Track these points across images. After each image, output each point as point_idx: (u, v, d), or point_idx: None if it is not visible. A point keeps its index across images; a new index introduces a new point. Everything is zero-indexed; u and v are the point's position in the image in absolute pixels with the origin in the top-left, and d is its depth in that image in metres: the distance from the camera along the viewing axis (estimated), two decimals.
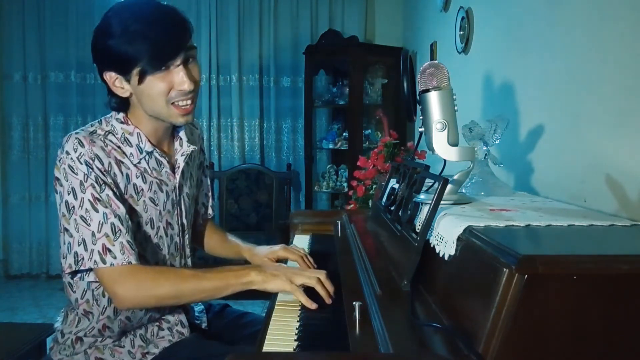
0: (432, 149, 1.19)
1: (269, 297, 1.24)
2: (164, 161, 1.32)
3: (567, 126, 1.46)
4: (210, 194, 1.59)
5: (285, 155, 4.49)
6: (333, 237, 1.73)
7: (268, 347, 0.97)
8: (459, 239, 0.91)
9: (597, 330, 0.71)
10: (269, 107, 4.45)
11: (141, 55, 1.15)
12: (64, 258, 1.19)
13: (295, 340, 0.99)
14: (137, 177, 1.27)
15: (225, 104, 4.43)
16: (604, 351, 0.71)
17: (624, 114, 1.20)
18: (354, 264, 1.30)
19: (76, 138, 1.20)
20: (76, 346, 1.29)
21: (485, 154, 1.42)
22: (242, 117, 4.45)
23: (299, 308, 1.15)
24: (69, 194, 1.18)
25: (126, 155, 1.26)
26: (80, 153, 1.18)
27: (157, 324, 1.35)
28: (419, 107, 1.24)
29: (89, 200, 1.17)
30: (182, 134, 1.36)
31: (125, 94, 1.23)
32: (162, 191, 1.31)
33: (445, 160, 1.20)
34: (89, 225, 1.16)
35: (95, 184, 1.18)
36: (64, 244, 1.19)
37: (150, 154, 1.29)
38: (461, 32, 2.47)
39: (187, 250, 1.41)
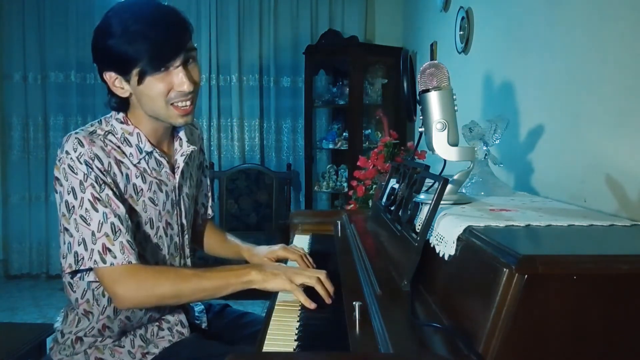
0: (432, 149, 1.19)
1: (269, 297, 1.24)
2: (164, 161, 1.32)
3: (567, 126, 1.46)
4: (209, 194, 1.59)
5: (285, 155, 4.49)
6: (333, 237, 1.73)
7: (268, 347, 0.97)
8: (459, 239, 0.91)
9: (597, 330, 0.71)
10: (269, 107, 4.45)
11: (141, 55, 1.15)
12: (64, 258, 1.19)
13: (295, 340, 0.99)
14: (136, 177, 1.27)
15: (225, 104, 4.43)
16: (604, 351, 0.71)
17: (624, 114, 1.20)
18: (354, 264, 1.30)
19: (76, 138, 1.20)
20: (76, 346, 1.29)
21: (485, 154, 1.42)
22: (242, 117, 4.45)
23: (299, 308, 1.15)
24: (68, 194, 1.18)
25: (126, 155, 1.26)
26: (80, 153, 1.18)
27: (157, 324, 1.35)
28: (419, 107, 1.24)
29: (88, 200, 1.17)
30: (182, 134, 1.36)
31: (125, 94, 1.23)
32: (161, 191, 1.31)
33: (445, 160, 1.20)
34: (88, 225, 1.16)
35: (95, 184, 1.18)
36: (64, 243, 1.19)
37: (150, 154, 1.29)
38: (461, 32, 2.47)
39: (187, 251, 1.41)
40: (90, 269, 1.20)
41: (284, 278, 1.17)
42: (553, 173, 1.53)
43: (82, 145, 1.19)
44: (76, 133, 1.22)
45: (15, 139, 4.37)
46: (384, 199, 1.47)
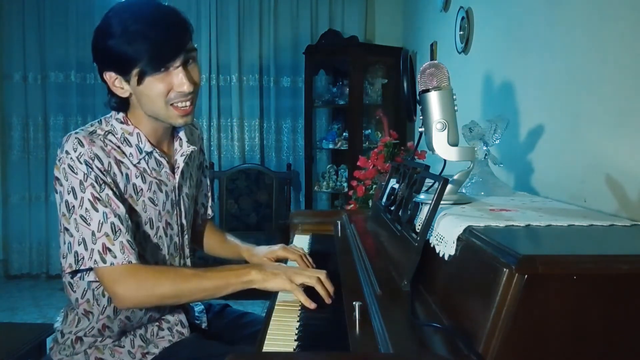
0: (432, 149, 1.19)
1: (269, 297, 1.24)
2: (164, 161, 1.32)
3: (567, 126, 1.46)
4: (209, 194, 1.59)
5: (285, 155, 4.49)
6: (333, 237, 1.73)
7: (268, 347, 0.97)
8: (459, 239, 0.91)
9: (597, 330, 0.71)
10: (269, 107, 4.45)
11: (141, 56, 1.15)
12: (64, 258, 1.19)
13: (295, 340, 0.99)
14: (136, 177, 1.27)
15: (225, 104, 4.43)
16: (604, 351, 0.71)
17: (624, 114, 1.20)
18: (354, 264, 1.30)
19: (76, 138, 1.20)
20: (76, 346, 1.29)
21: (485, 154, 1.42)
22: (242, 117, 4.45)
23: (299, 308, 1.15)
24: (68, 194, 1.18)
25: (126, 155, 1.26)
26: (80, 153, 1.18)
27: (157, 324, 1.35)
28: (419, 107, 1.23)
29: (88, 199, 1.17)
30: (182, 134, 1.36)
31: (124, 94, 1.23)
32: (161, 191, 1.31)
33: (445, 160, 1.20)
34: (89, 224, 1.16)
35: (95, 184, 1.18)
36: (64, 243, 1.19)
37: (149, 154, 1.29)
38: (461, 32, 2.47)
39: (187, 251, 1.41)
40: (90, 269, 1.20)
41: (284, 278, 1.17)
42: (553, 173, 1.53)
43: (82, 145, 1.19)
44: (76, 133, 1.22)
45: (15, 139, 4.37)
46: (384, 199, 1.47)
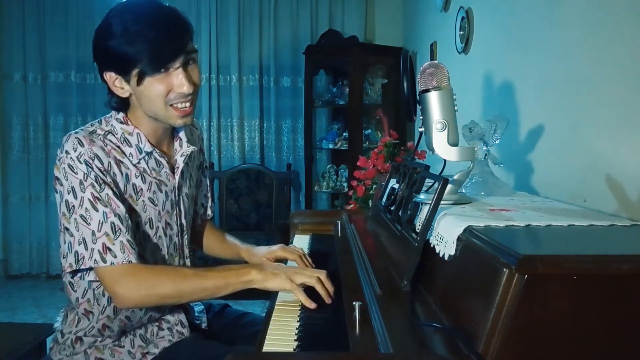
0: (432, 149, 1.19)
1: (269, 297, 1.24)
2: (164, 161, 1.32)
3: (567, 126, 1.46)
4: (209, 194, 1.59)
5: (285, 155, 4.49)
6: (333, 237, 1.73)
7: (268, 347, 0.97)
8: (459, 239, 0.91)
9: (597, 330, 0.71)
10: (269, 107, 4.45)
11: (141, 56, 1.15)
12: (64, 257, 1.19)
13: (295, 340, 0.99)
14: (136, 177, 1.27)
15: (225, 104, 4.43)
16: (604, 351, 0.71)
17: (624, 114, 1.20)
18: (354, 264, 1.30)
19: (76, 137, 1.20)
20: (76, 346, 1.29)
21: (485, 154, 1.42)
22: (242, 117, 4.45)
23: (299, 308, 1.15)
24: (68, 193, 1.18)
25: (125, 155, 1.26)
26: (80, 152, 1.18)
27: (157, 323, 1.35)
28: (419, 107, 1.23)
29: (88, 199, 1.17)
30: (182, 134, 1.36)
31: (124, 94, 1.23)
32: (161, 191, 1.31)
33: (445, 160, 1.20)
34: (89, 224, 1.16)
35: (95, 183, 1.18)
36: (65, 243, 1.19)
37: (149, 154, 1.29)
38: (461, 32, 2.47)
39: (186, 251, 1.41)
40: (90, 269, 1.20)
41: (284, 277, 1.17)
42: (553, 173, 1.53)
43: (82, 145, 1.19)
44: (76, 133, 1.22)
45: (15, 139, 4.37)
46: (384, 199, 1.47)
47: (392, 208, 1.32)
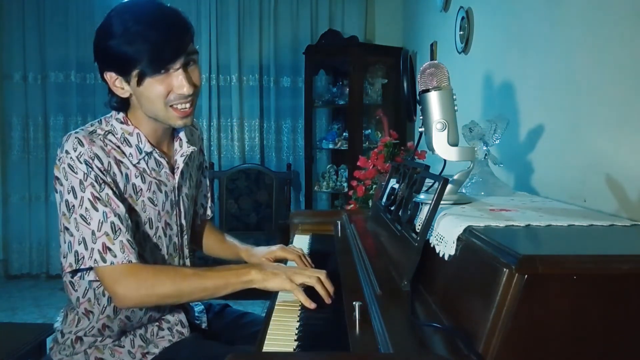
0: (432, 149, 1.19)
1: (269, 297, 1.24)
2: (163, 162, 1.32)
3: (567, 126, 1.46)
4: (209, 195, 1.59)
5: (285, 155, 4.49)
6: (333, 237, 1.73)
7: (268, 347, 0.97)
8: (459, 239, 0.91)
9: (597, 330, 0.71)
10: (269, 107, 4.45)
11: (141, 57, 1.15)
12: (64, 257, 1.19)
13: (295, 340, 0.99)
14: (136, 177, 1.27)
15: (225, 104, 4.43)
16: (604, 351, 0.71)
17: (624, 114, 1.20)
18: (354, 264, 1.30)
19: (76, 137, 1.20)
20: (76, 346, 1.29)
21: (485, 154, 1.42)
22: (242, 117, 4.45)
23: (299, 308, 1.15)
24: (68, 193, 1.18)
25: (125, 155, 1.26)
26: (80, 152, 1.18)
27: (157, 323, 1.35)
28: (419, 107, 1.23)
29: (88, 199, 1.17)
30: (182, 134, 1.36)
31: (125, 95, 1.23)
32: (161, 191, 1.31)
33: (445, 160, 1.20)
34: (89, 224, 1.16)
35: (95, 183, 1.18)
36: (65, 243, 1.19)
37: (149, 154, 1.29)
38: (461, 32, 2.47)
39: (186, 251, 1.41)
40: (90, 268, 1.20)
41: (284, 277, 1.17)
42: (553, 173, 1.53)
43: (82, 145, 1.19)
44: (76, 133, 1.22)
45: (15, 139, 4.37)
46: (384, 199, 1.47)
47: (392, 208, 1.32)
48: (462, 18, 2.44)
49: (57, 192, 1.21)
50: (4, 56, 4.34)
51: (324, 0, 4.40)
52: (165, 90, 1.20)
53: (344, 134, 4.13)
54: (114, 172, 1.23)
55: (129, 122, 1.28)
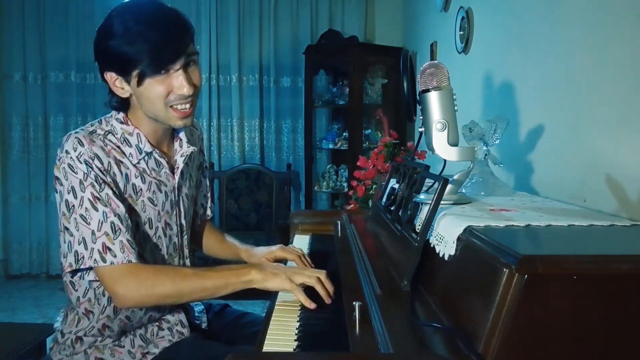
0: (432, 149, 1.19)
1: (269, 297, 1.24)
2: (163, 162, 1.32)
3: (567, 126, 1.46)
4: (209, 195, 1.59)
5: (285, 155, 4.49)
6: (333, 237, 1.73)
7: (268, 347, 0.97)
8: (459, 239, 0.91)
9: (597, 330, 0.71)
10: (269, 107, 4.45)
11: (141, 57, 1.15)
12: (64, 257, 1.19)
13: (295, 340, 0.99)
14: (136, 177, 1.27)
15: (225, 104, 4.43)
16: (604, 351, 0.71)
17: (624, 114, 1.20)
18: (354, 264, 1.30)
19: (76, 137, 1.20)
20: (76, 346, 1.29)
21: (485, 154, 1.42)
22: (242, 117, 4.45)
23: (299, 308, 1.15)
24: (68, 193, 1.18)
25: (125, 155, 1.26)
26: (80, 152, 1.18)
27: (157, 323, 1.35)
28: (419, 107, 1.23)
29: (88, 199, 1.17)
30: (182, 135, 1.36)
31: (125, 95, 1.23)
32: (160, 192, 1.31)
33: (445, 160, 1.20)
34: (88, 224, 1.16)
35: (95, 183, 1.18)
36: (64, 242, 1.19)
37: (149, 154, 1.29)
38: (461, 32, 2.47)
39: (186, 251, 1.41)
40: (90, 268, 1.20)
41: (284, 277, 1.17)
42: (553, 173, 1.53)
43: (82, 145, 1.19)
44: (76, 132, 1.22)
45: (15, 139, 4.37)
46: (384, 199, 1.47)
47: (392, 208, 1.32)
48: (462, 18, 2.44)
49: (57, 192, 1.21)
50: (4, 56, 4.34)
51: (324, 0, 4.40)
52: (165, 91, 1.20)
53: (344, 134, 4.13)
54: (113, 172, 1.23)
55: (129, 122, 1.28)
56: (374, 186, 2.45)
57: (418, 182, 1.16)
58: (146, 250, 1.30)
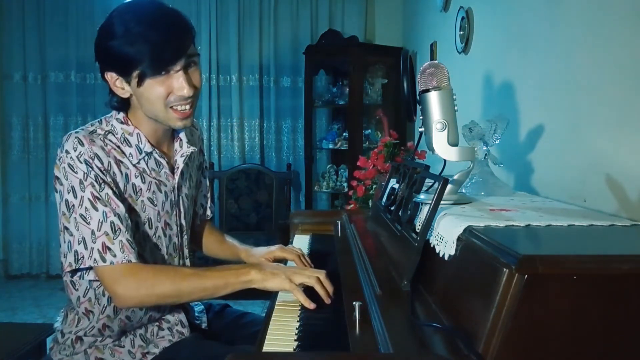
0: (432, 149, 1.19)
1: (269, 297, 1.24)
2: (163, 162, 1.32)
3: (567, 126, 1.46)
4: (209, 195, 1.59)
5: (285, 155, 4.49)
6: (333, 237, 1.73)
7: (268, 347, 0.97)
8: (459, 239, 0.91)
9: (597, 330, 0.71)
10: (269, 107, 4.45)
11: (141, 57, 1.15)
12: (64, 257, 1.19)
13: (295, 340, 0.99)
14: (135, 177, 1.27)
15: (225, 104, 4.43)
16: (604, 351, 0.71)
17: (624, 114, 1.20)
18: (354, 264, 1.30)
19: (76, 137, 1.20)
20: (76, 346, 1.29)
21: (485, 154, 1.42)
22: (242, 117, 4.45)
23: (299, 308, 1.15)
24: (68, 193, 1.18)
25: (125, 155, 1.26)
26: (80, 152, 1.18)
27: (157, 323, 1.35)
28: (419, 107, 1.23)
29: (88, 199, 1.17)
30: (182, 135, 1.36)
31: (125, 95, 1.23)
32: (160, 192, 1.31)
33: (445, 160, 1.20)
34: (88, 223, 1.16)
35: (95, 183, 1.18)
36: (64, 242, 1.19)
37: (149, 154, 1.29)
38: (461, 32, 2.47)
39: (186, 251, 1.41)
40: (90, 268, 1.20)
41: (284, 277, 1.17)
42: (553, 173, 1.53)
43: (82, 145, 1.19)
44: (76, 132, 1.22)
45: (15, 139, 4.37)
46: (384, 199, 1.47)
47: (392, 208, 1.32)
48: (462, 18, 2.44)
49: (57, 192, 1.21)
50: (4, 56, 4.34)
51: (324, 0, 4.40)
52: (165, 92, 1.20)
53: (344, 134, 4.13)
54: (113, 172, 1.23)
55: (129, 122, 1.28)
56: (374, 186, 2.45)
57: (418, 182, 1.16)
58: (146, 250, 1.30)
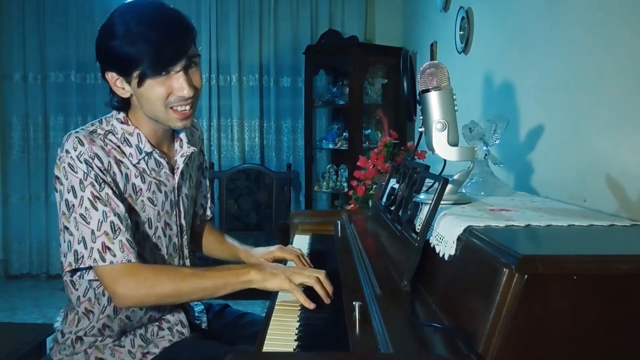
0: (432, 149, 1.19)
1: (269, 297, 1.24)
2: (163, 162, 1.32)
3: (567, 126, 1.46)
4: (209, 195, 1.59)
5: (285, 155, 4.49)
6: (333, 237, 1.73)
7: (268, 347, 0.97)
8: (459, 239, 0.91)
9: (597, 330, 0.71)
10: (269, 107, 4.45)
11: (142, 58, 1.15)
12: (64, 256, 1.19)
13: (295, 340, 0.99)
14: (135, 177, 1.27)
15: (225, 104, 4.43)
16: (604, 351, 0.71)
17: (624, 114, 1.20)
18: (354, 264, 1.30)
19: (76, 137, 1.20)
20: (76, 346, 1.29)
21: (485, 154, 1.42)
22: (242, 117, 4.45)
23: (299, 308, 1.15)
24: (68, 193, 1.18)
25: (125, 155, 1.26)
26: (80, 152, 1.18)
27: (157, 323, 1.35)
28: (419, 107, 1.23)
29: (88, 198, 1.17)
30: (182, 135, 1.36)
31: (125, 95, 1.24)
32: (160, 192, 1.31)
33: (445, 160, 1.20)
34: (88, 223, 1.16)
35: (95, 183, 1.18)
36: (64, 242, 1.19)
37: (149, 154, 1.29)
38: (461, 32, 2.47)
39: (186, 251, 1.41)
40: (90, 268, 1.20)
41: (283, 277, 1.17)
42: (553, 173, 1.53)
43: (82, 144, 1.19)
44: (76, 132, 1.22)
45: (15, 139, 4.37)
46: (384, 199, 1.47)
47: (392, 208, 1.32)
48: (462, 18, 2.44)
49: (57, 192, 1.21)
50: (4, 56, 4.34)
51: (324, 0, 4.40)
52: (165, 92, 1.20)
53: (344, 134, 4.13)
54: (113, 172, 1.23)
55: (130, 122, 1.28)
56: (374, 186, 2.45)
57: (418, 182, 1.16)
58: (146, 250, 1.30)
